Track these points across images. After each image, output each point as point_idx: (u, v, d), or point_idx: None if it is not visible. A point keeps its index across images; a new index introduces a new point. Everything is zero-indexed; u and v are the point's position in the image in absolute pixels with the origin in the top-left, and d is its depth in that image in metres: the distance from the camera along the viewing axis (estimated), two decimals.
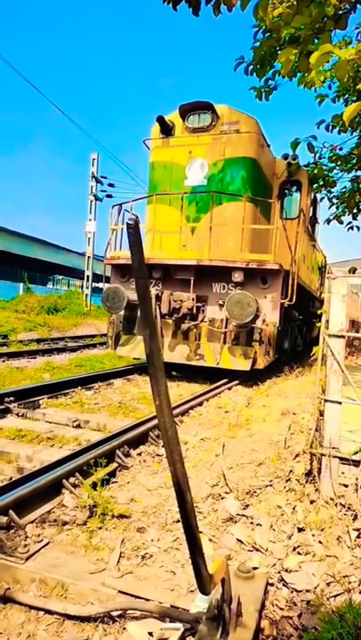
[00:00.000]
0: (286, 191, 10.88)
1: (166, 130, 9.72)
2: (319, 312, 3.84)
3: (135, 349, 9.25)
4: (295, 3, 5.09)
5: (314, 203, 12.29)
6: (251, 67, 7.14)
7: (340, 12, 5.25)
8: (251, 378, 8.76)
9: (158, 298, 8.91)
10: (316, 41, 5.18)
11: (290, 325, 10.36)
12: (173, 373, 9.44)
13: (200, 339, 8.92)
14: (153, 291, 8.84)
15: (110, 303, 8.92)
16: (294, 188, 10.80)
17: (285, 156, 10.51)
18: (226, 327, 8.59)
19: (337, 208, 11.50)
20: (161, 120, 9.61)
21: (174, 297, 8.89)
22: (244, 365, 8.18)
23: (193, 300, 8.74)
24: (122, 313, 9.28)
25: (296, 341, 12.02)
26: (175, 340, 9.08)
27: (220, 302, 8.60)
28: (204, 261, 8.62)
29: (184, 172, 9.44)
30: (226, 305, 8.08)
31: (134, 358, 10.07)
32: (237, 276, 8.47)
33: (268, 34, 6.51)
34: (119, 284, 9.52)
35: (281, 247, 8.77)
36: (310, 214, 11.82)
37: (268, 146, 10.16)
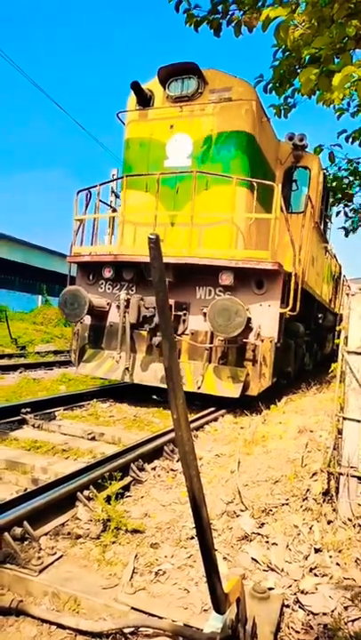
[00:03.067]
0: (293, 181, 9.25)
1: (144, 100, 8.01)
2: (338, 328, 3.81)
3: (100, 367, 7.57)
4: (316, 24, 5.15)
5: (326, 195, 10.46)
6: (270, 85, 7.22)
7: None
8: (243, 404, 7.08)
9: (128, 304, 7.39)
10: (336, 61, 5.22)
11: (294, 341, 8.69)
12: (154, 397, 8.04)
13: (180, 356, 7.25)
14: (123, 295, 7.29)
15: (68, 309, 7.35)
16: (302, 176, 9.19)
17: (291, 136, 8.81)
18: (211, 342, 7.04)
19: (353, 223, 11.47)
20: (136, 87, 7.84)
21: (145, 303, 7.28)
22: (232, 391, 6.60)
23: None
24: (87, 322, 7.91)
25: (304, 360, 10.19)
26: (149, 357, 7.40)
27: (205, 311, 6.84)
28: (183, 259, 6.99)
29: (164, 151, 7.76)
30: (208, 314, 6.52)
31: (101, 378, 8.34)
32: (226, 278, 6.84)
33: (287, 53, 6.59)
34: (85, 286, 7.93)
35: (283, 245, 7.46)
36: (321, 208, 10.03)
37: (269, 120, 8.36)
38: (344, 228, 11.58)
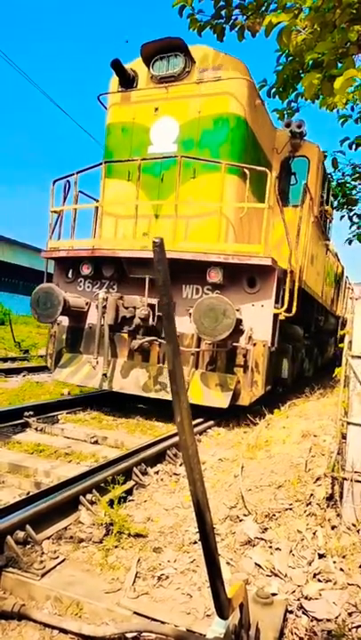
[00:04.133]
0: (291, 172, 8.55)
1: (126, 81, 7.37)
2: (342, 332, 3.80)
3: (77, 374, 6.95)
4: (318, 29, 5.17)
5: (327, 188, 9.77)
6: (273, 89, 7.24)
7: None
8: (237, 412, 6.65)
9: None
10: (339, 65, 5.24)
11: (292, 346, 8.04)
12: (140, 406, 7.40)
13: (165, 361, 6.55)
14: (101, 293, 6.69)
15: (40, 309, 6.74)
16: (300, 167, 8.51)
17: (288, 123, 8.06)
18: (198, 346, 6.45)
19: (358, 227, 11.45)
20: (117, 66, 7.14)
21: (125, 302, 6.67)
22: (220, 400, 6.02)
23: (147, 306, 6.46)
24: (65, 324, 7.34)
25: (303, 366, 9.53)
26: (131, 363, 6.82)
27: (192, 311, 6.20)
28: (171, 254, 6.17)
29: (148, 136, 7.15)
30: (193, 315, 5.93)
31: (78, 385, 7.50)
32: (214, 275, 6.27)
33: (290, 58, 6.62)
34: (63, 284, 7.48)
35: (278, 240, 6.94)
36: (321, 201, 9.31)
37: (263, 103, 7.64)
38: (349, 240, 11.50)
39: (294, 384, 8.65)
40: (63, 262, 7.60)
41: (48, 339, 7.60)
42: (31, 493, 3.49)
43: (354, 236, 11.51)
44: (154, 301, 6.56)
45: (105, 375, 6.73)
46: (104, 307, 6.65)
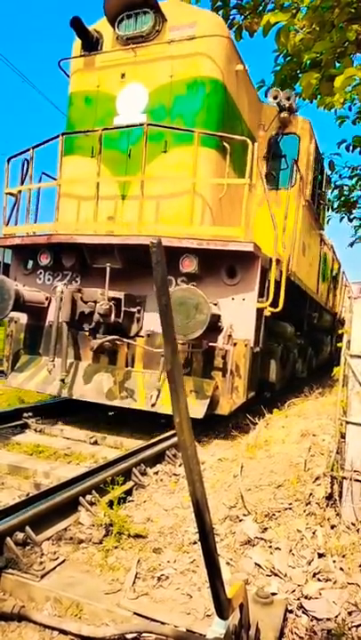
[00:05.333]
0: (280, 155, 7.61)
1: (90, 44, 6.48)
2: (340, 332, 3.80)
3: (33, 379, 6.13)
4: (317, 28, 5.18)
5: (320, 170, 8.87)
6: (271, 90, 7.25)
7: None
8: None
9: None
10: (337, 65, 5.24)
11: (283, 345, 7.30)
12: (111, 414, 6.58)
13: (133, 364, 5.89)
14: (59, 286, 5.82)
15: None
16: (290, 146, 7.57)
17: (275, 95, 7.14)
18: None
19: (356, 231, 11.46)
20: (79, 26, 6.26)
21: (84, 295, 5.72)
22: (194, 409, 5.13)
23: (108, 300, 5.52)
24: (23, 322, 6.55)
25: (295, 367, 8.77)
26: (95, 366, 5.99)
27: None
28: (129, 239, 5.54)
29: (114, 106, 6.29)
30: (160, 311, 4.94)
31: (38, 392, 6.49)
32: (188, 264, 5.46)
33: (288, 58, 6.62)
34: (22, 277, 6.64)
35: (264, 225, 6.09)
36: (314, 185, 8.33)
37: (247, 71, 6.74)
38: (352, 243, 11.47)
39: (287, 386, 8.07)
40: (20, 251, 6.73)
41: (4, 338, 6.72)
42: (31, 494, 3.49)
43: (357, 239, 11.50)
44: (118, 295, 5.63)
45: (63, 381, 5.91)
46: (61, 300, 5.75)
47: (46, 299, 6.44)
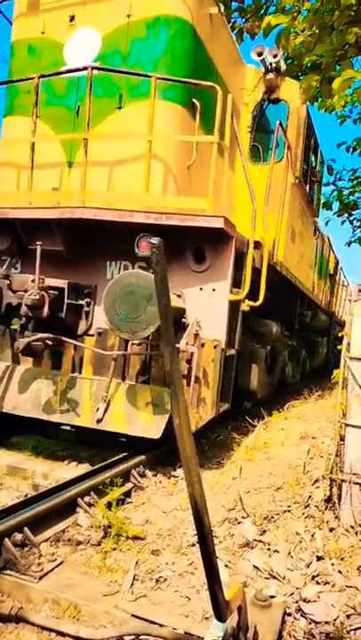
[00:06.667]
0: (264, 121, 6.51)
1: None
2: (340, 334, 3.80)
3: None
4: (317, 31, 5.19)
5: (313, 144, 7.69)
6: None
7: None
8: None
9: None
10: (337, 67, 5.26)
11: (269, 347, 6.42)
12: (66, 428, 5.34)
13: (80, 369, 4.83)
14: None
15: None
16: (277, 114, 6.36)
17: (260, 52, 6.05)
18: (126, 347, 4.61)
19: (353, 231, 11.45)
20: None
21: (14, 284, 4.58)
22: (150, 427, 4.26)
23: (44, 288, 4.45)
24: None
25: (285, 372, 7.84)
26: (34, 371, 4.94)
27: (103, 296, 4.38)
28: (68, 212, 4.51)
29: (62, 55, 5.26)
30: (104, 301, 4.15)
31: None
32: (145, 246, 4.38)
33: (289, 60, 6.63)
34: None
35: (242, 202, 5.20)
36: (306, 162, 7.22)
37: (223, 17, 5.86)
38: (350, 242, 11.41)
39: (275, 393, 7.24)
40: None
41: None
42: (29, 495, 3.49)
43: (355, 240, 11.50)
44: (59, 283, 4.61)
45: None
46: None
47: None
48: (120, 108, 4.97)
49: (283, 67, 6.29)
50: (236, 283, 4.72)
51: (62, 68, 5.15)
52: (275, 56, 6.06)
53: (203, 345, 4.46)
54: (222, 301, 4.55)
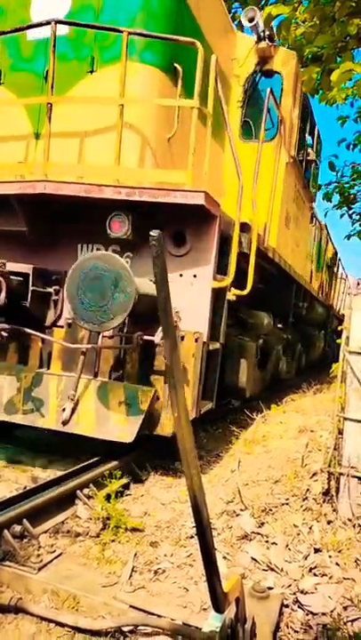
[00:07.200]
0: (256, 95, 5.93)
1: None
2: (339, 328, 3.80)
3: None
4: (318, 22, 5.15)
5: (310, 122, 7.11)
6: None
7: None
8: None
9: None
10: (338, 59, 5.22)
11: (261, 341, 6.09)
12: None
13: (48, 364, 4.35)
14: None
15: None
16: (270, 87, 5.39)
17: (251, 18, 5.49)
18: (97, 340, 4.16)
19: (353, 224, 11.44)
20: None
21: None
22: (121, 429, 3.83)
23: (3, 274, 3.88)
24: None
25: (279, 367, 7.46)
26: None
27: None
28: (36, 187, 4.04)
29: (29, 13, 4.66)
30: (67, 287, 3.64)
31: None
32: (118, 226, 4.00)
33: None
34: None
35: (233, 181, 4.64)
36: (301, 141, 6.71)
37: None
38: (349, 235, 11.36)
39: (268, 389, 6.85)
40: None
41: None
42: (28, 488, 3.49)
43: (354, 233, 11.49)
44: (23, 268, 4.14)
45: None
46: None
47: None
48: (92, 71, 4.42)
49: (274, 31, 5.68)
50: (221, 269, 4.30)
51: (29, 31, 4.60)
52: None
53: (182, 338, 4.04)
54: (205, 289, 4.13)
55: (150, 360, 4.11)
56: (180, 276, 4.18)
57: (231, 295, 4.48)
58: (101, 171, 4.22)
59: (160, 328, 3.73)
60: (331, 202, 10.58)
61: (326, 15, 4.99)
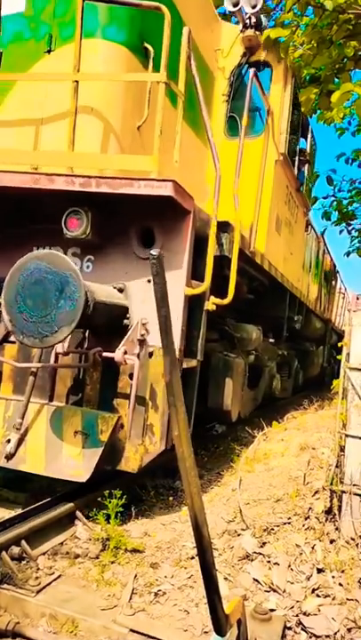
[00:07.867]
0: (243, 88, 5.10)
1: None
2: (339, 344, 3.79)
3: None
4: (316, 45, 5.26)
5: (304, 121, 6.55)
6: None
7: (360, 53, 5.41)
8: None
9: None
10: (336, 80, 5.33)
11: (253, 356, 5.68)
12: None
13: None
14: None
15: None
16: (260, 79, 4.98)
17: (235, 2, 4.89)
18: (49, 358, 3.53)
19: (351, 241, 11.43)
20: None
21: None
22: (76, 466, 3.29)
23: None
24: None
25: (273, 386, 6.94)
26: None
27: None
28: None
29: None
30: (4, 293, 3.01)
31: None
32: (75, 224, 3.44)
33: None
34: None
35: (208, 174, 4.31)
36: (293, 136, 6.11)
37: None
38: (348, 252, 11.31)
39: (260, 408, 6.28)
40: None
41: None
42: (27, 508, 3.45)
43: (353, 250, 11.50)
44: None
45: None
46: None
47: None
48: (49, 51, 3.92)
49: (264, 21, 5.20)
50: (198, 274, 3.71)
51: None
52: (254, 6, 4.85)
53: (150, 354, 3.43)
54: (177, 297, 3.46)
55: (114, 381, 3.52)
56: (148, 282, 3.54)
57: (210, 305, 3.84)
58: (55, 159, 3.66)
59: (122, 342, 3.35)
60: (330, 220, 10.61)
61: (324, 38, 5.11)
